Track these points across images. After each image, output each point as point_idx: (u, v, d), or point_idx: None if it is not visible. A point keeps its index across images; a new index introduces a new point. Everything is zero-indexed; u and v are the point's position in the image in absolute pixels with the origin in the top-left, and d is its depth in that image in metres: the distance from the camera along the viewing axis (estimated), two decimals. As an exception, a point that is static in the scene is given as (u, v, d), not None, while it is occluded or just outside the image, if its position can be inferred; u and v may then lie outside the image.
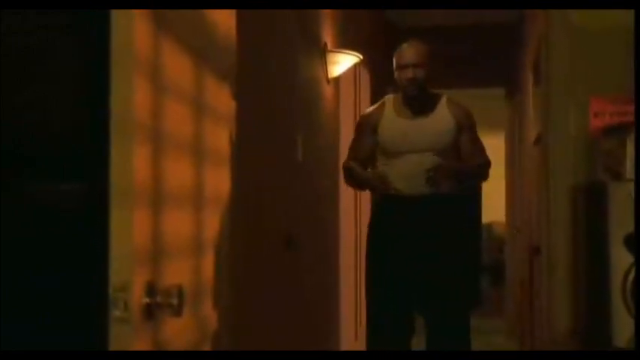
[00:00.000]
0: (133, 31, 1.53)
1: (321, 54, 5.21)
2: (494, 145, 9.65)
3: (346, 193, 6.04)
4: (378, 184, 4.11)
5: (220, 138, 2.24)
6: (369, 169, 4.23)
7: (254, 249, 3.50)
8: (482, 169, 4.24)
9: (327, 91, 5.40)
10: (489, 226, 11.61)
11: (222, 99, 2.24)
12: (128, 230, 1.50)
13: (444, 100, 4.17)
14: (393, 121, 4.12)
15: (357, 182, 4.38)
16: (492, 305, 9.40)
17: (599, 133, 3.70)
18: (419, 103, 4.11)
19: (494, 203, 9.92)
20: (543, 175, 4.05)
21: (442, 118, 4.10)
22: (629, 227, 3.25)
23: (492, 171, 4.25)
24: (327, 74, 5.33)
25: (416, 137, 4.06)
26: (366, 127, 4.25)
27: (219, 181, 2.21)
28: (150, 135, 1.64)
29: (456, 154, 4.13)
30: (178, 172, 1.85)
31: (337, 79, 5.65)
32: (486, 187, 7.06)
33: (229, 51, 2.29)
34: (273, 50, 4.01)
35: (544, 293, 4.21)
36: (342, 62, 5.41)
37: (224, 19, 2.24)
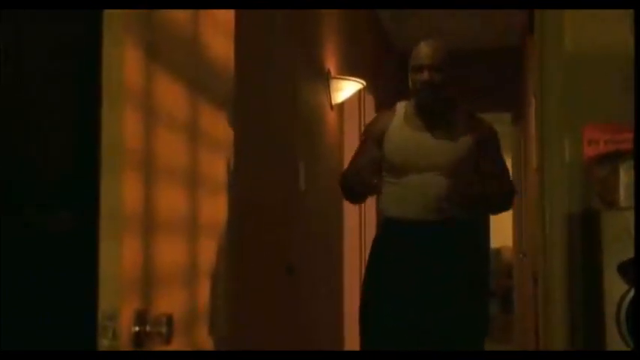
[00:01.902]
0: (123, 61, 1.55)
1: (325, 80, 5.23)
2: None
3: (350, 218, 6.04)
4: (354, 178, 3.57)
5: (217, 165, 2.24)
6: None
7: (253, 277, 3.49)
8: (503, 197, 3.71)
9: (331, 117, 5.41)
10: (498, 251, 11.58)
11: (219, 126, 2.24)
12: (117, 258, 1.51)
13: (463, 113, 3.67)
14: (401, 131, 3.60)
15: (345, 188, 3.76)
16: (501, 330, 9.35)
17: (592, 161, 3.69)
18: (432, 113, 3.58)
19: (502, 228, 9.86)
20: (540, 202, 4.01)
21: (458, 133, 3.59)
22: (623, 255, 3.23)
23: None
24: (330, 101, 5.34)
25: (424, 153, 3.53)
26: (369, 136, 3.71)
27: (216, 209, 2.21)
28: (141, 163, 1.65)
29: (470, 175, 3.59)
30: (172, 200, 1.85)
31: (341, 106, 5.67)
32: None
33: (226, 78, 2.30)
34: (275, 77, 4.03)
35: (541, 320, 4.18)
36: (346, 88, 5.42)
37: (221, 46, 2.25)
